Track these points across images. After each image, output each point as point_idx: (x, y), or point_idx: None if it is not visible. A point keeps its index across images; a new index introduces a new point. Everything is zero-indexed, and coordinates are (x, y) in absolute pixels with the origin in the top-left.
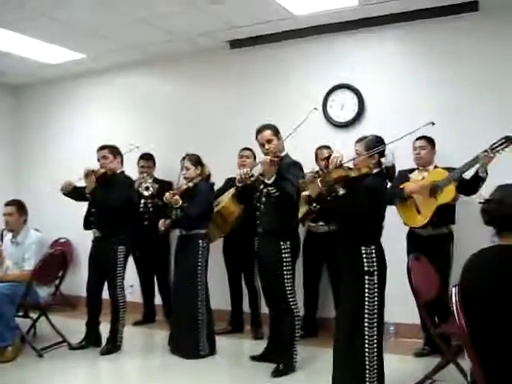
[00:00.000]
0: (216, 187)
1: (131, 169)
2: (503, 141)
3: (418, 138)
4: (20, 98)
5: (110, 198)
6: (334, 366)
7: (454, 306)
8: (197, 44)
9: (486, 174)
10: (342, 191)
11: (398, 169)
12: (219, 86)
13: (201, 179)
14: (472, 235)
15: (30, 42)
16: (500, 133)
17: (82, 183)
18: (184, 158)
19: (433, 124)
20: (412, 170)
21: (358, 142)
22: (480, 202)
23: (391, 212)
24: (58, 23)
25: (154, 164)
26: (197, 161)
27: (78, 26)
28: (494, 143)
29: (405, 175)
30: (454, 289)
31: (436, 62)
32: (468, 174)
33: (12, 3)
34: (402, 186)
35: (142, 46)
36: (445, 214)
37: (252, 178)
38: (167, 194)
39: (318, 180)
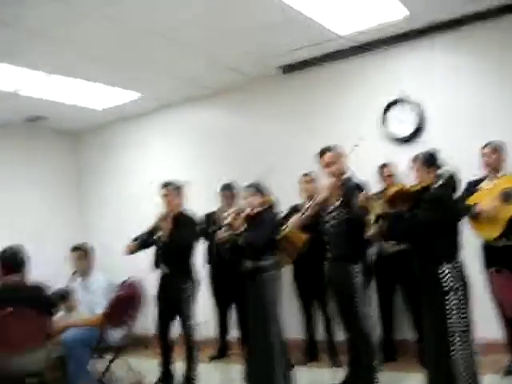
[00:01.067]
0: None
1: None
2: None
3: (485, 145)
4: (80, 142)
5: (184, 237)
6: None
7: None
8: (249, 73)
9: None
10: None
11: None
12: (275, 112)
13: (266, 207)
14: None
15: (87, 86)
16: None
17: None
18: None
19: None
20: (482, 180)
21: (413, 161)
22: None
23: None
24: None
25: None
26: (260, 189)
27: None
28: None
29: (474, 185)
30: None
31: (495, 68)
32: None
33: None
34: (473, 202)
35: (196, 81)
36: None
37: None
38: (232, 212)
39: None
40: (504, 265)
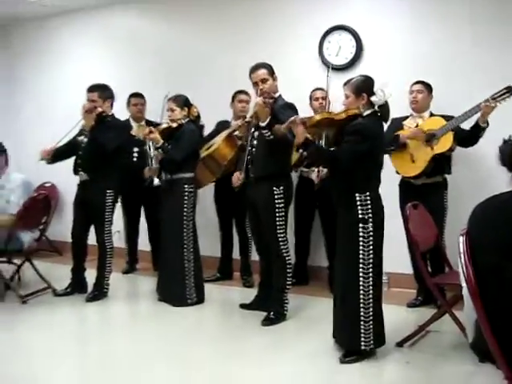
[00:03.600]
0: (206, 130)
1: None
2: (505, 91)
3: (415, 83)
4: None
5: (107, 138)
6: (334, 315)
7: (462, 255)
8: None
9: (487, 124)
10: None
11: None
12: (210, 23)
13: (188, 120)
14: (468, 184)
15: None
16: (501, 83)
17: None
18: (167, 98)
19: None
20: (406, 118)
21: (345, 84)
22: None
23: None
24: None
25: (145, 103)
26: (183, 102)
27: None
28: (496, 93)
29: (398, 123)
30: (461, 238)
31: (437, 7)
32: (467, 126)
33: None
34: (396, 133)
35: None
36: (440, 164)
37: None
38: (146, 129)
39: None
40: (421, 201)
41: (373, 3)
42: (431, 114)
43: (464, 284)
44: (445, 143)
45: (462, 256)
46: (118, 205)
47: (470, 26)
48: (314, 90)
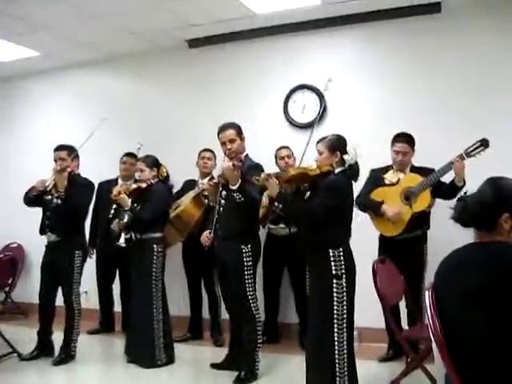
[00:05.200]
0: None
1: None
2: (479, 144)
3: (398, 140)
4: None
5: (81, 198)
6: (307, 371)
7: (428, 307)
8: (155, 43)
9: (464, 183)
10: (307, 193)
11: (363, 167)
12: (178, 85)
13: (157, 181)
14: (447, 236)
15: None
16: (477, 135)
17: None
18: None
19: None
20: (386, 169)
21: (319, 142)
22: (458, 199)
23: (359, 213)
24: (10, 18)
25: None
26: (152, 162)
27: (31, 23)
28: (469, 147)
29: (379, 175)
30: (427, 292)
31: (400, 63)
32: (446, 178)
33: None
34: (379, 200)
35: (97, 44)
36: (419, 220)
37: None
38: (114, 190)
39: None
40: (399, 255)
41: (336, 62)
42: (412, 168)
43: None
44: (423, 201)
45: (428, 309)
46: (88, 263)
47: (439, 77)
48: (279, 149)
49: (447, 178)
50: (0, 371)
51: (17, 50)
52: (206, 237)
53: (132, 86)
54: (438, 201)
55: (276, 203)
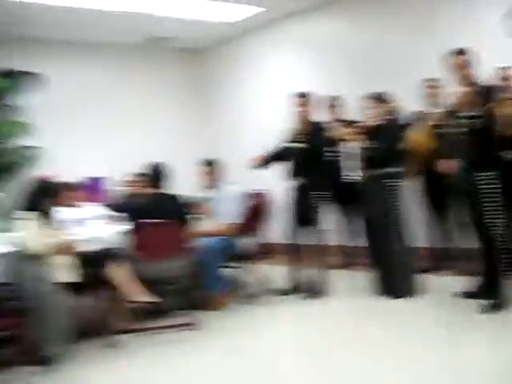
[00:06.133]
0: None
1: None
2: None
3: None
4: (201, 59)
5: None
6: None
7: None
8: None
9: None
10: None
11: None
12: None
13: (388, 119)
14: None
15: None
16: None
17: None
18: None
19: None
20: None
21: None
22: None
23: None
24: None
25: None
26: (379, 98)
27: None
28: None
29: None
30: None
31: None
32: None
33: None
34: None
35: None
36: None
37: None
38: (346, 130)
39: None
40: None
41: None
42: None
43: None
44: None
45: None
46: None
47: None
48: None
49: None
50: (260, 305)
51: (242, 9)
52: (448, 165)
53: (350, 29)
54: None
55: None
